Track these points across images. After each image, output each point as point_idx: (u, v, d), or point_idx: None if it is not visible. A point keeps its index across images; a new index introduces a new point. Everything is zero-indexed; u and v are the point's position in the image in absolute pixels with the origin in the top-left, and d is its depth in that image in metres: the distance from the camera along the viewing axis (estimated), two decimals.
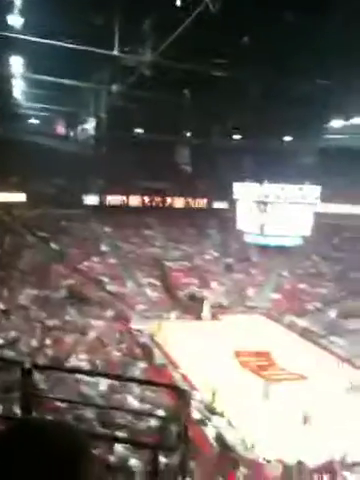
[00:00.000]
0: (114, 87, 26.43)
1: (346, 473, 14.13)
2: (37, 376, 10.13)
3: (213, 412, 17.92)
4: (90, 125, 29.57)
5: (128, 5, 19.75)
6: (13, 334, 19.59)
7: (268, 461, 15.28)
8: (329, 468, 14.64)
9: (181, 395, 3.20)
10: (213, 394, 18.77)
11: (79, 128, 33.66)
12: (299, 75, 25.20)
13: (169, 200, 41.16)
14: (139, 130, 40.02)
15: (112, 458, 10.11)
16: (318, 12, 19.81)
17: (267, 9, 20.15)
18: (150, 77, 22.69)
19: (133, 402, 15.74)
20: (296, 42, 22.63)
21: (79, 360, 18.83)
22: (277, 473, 14.72)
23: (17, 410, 5.31)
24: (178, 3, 16.59)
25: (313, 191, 30.45)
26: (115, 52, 21.05)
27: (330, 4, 19.68)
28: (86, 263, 33.80)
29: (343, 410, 18.51)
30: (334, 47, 22.02)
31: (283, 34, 21.98)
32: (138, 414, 12.94)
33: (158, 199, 40.73)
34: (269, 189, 30.12)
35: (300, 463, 14.67)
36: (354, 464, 14.81)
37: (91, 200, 38.19)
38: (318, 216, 30.74)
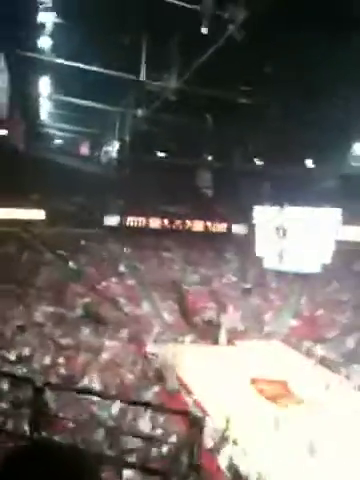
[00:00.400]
0: (139, 111, 26.87)
1: None
2: (48, 394, 10.07)
3: (227, 440, 17.51)
4: (113, 147, 29.96)
5: (155, 33, 20.23)
6: (27, 351, 19.59)
7: None
8: None
9: (194, 422, 3.11)
10: (227, 421, 18.38)
11: (102, 149, 34.16)
12: (321, 101, 25.32)
13: (189, 223, 41.23)
14: (162, 153, 40.46)
15: None
16: (341, 39, 19.95)
17: (291, 37, 20.39)
18: (174, 102, 23.04)
19: (145, 426, 15.51)
20: (319, 69, 22.79)
21: (92, 381, 18.70)
22: None
23: (26, 427, 5.26)
24: (204, 31, 16.88)
25: (334, 216, 30.10)
26: (141, 77, 21.47)
27: (354, 31, 19.80)
28: (104, 283, 33.83)
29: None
30: (357, 74, 22.08)
31: (307, 62, 22.19)
32: (149, 439, 12.70)
33: (178, 222, 40.86)
34: (289, 214, 29.90)
35: None
36: None
37: (111, 221, 38.50)
38: (338, 242, 30.34)
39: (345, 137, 34.06)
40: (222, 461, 16.20)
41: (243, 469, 15.76)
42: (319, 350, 29.94)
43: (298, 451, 16.99)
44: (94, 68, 21.42)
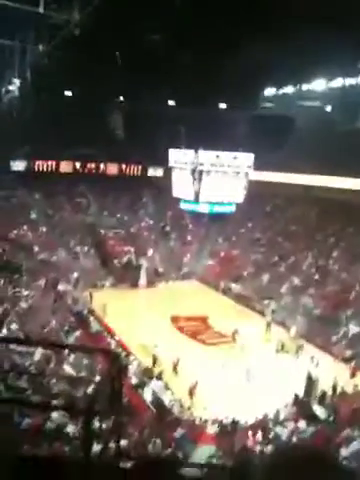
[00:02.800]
0: (40, 46, 24.92)
1: (278, 429, 14.74)
2: None
3: (150, 376, 18.04)
4: (15, 86, 27.73)
5: None
6: None
7: (204, 421, 15.66)
8: (262, 425, 15.23)
9: (113, 359, 3.02)
10: (154, 359, 18.89)
11: (3, 89, 31.53)
12: (234, 43, 25.03)
13: (102, 166, 40.12)
14: (69, 93, 38.32)
15: (50, 425, 9.92)
16: None
17: None
18: (79, 37, 21.58)
19: (69, 370, 15.49)
20: (232, 9, 22.28)
21: (11, 331, 18.18)
22: (213, 432, 15.15)
23: None
24: None
25: (246, 159, 30.77)
26: (40, 9, 19.77)
27: None
28: (15, 231, 32.48)
29: (274, 370, 19.28)
30: (270, 18, 21.97)
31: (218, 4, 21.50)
32: (72, 381, 12.72)
33: (90, 165, 39.59)
34: (204, 157, 30.09)
35: (235, 422, 15.15)
36: (285, 420, 15.49)
37: (18, 165, 36.36)
38: (251, 184, 31.19)
39: (257, 81, 34.32)
40: (147, 396, 16.74)
41: (167, 402, 16.41)
42: (235, 287, 31.32)
43: (218, 382, 17.93)
44: None
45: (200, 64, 28.21)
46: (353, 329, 23.50)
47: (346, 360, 21.08)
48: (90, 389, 11.30)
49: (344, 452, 12.16)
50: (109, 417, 3.27)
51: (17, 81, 26.86)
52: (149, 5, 21.35)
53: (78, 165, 38.81)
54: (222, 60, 27.30)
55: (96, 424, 4.48)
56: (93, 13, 20.36)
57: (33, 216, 35.01)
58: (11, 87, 28.11)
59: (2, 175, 34.53)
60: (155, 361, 18.96)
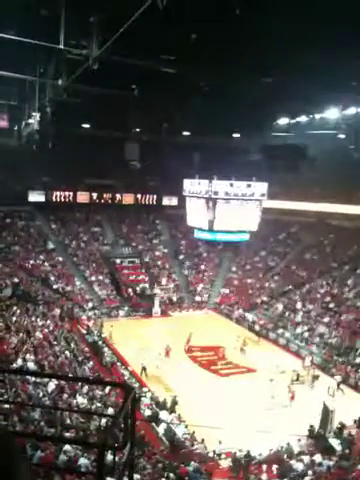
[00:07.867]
0: (60, 81, 25.67)
1: (293, 462, 14.45)
2: None
3: (163, 409, 17.90)
4: (35, 119, 28.48)
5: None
6: None
7: (218, 454, 15.44)
8: (276, 458, 14.95)
9: (127, 392, 3.15)
10: (173, 401, 18.50)
11: (23, 122, 32.45)
12: (247, 74, 25.54)
13: (118, 196, 40.73)
14: (86, 125, 39.26)
15: (62, 458, 9.90)
16: (265, 11, 20.05)
17: (215, 7, 20.24)
18: (97, 72, 22.27)
19: (82, 402, 15.48)
20: (245, 41, 22.83)
21: (26, 361, 18.29)
22: (227, 466, 14.92)
23: None
24: None
25: (260, 187, 31.04)
26: (60, 45, 20.51)
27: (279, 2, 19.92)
28: (32, 261, 32.94)
29: (290, 401, 19.01)
30: (282, 47, 22.42)
31: (232, 32, 22.12)
32: (85, 413, 12.70)
33: (107, 195, 40.22)
34: (218, 185, 30.44)
35: (248, 455, 14.90)
36: (299, 453, 15.20)
37: (36, 196, 37.18)
38: (265, 212, 31.36)
39: (271, 110, 34.76)
40: (160, 429, 16.59)
41: (180, 435, 16.24)
42: (249, 316, 31.15)
43: (232, 413, 17.71)
44: (7, 35, 20.16)
45: (214, 93, 28.76)
46: None
47: None
48: (103, 421, 11.30)
49: None
50: (122, 450, 3.35)
51: (37, 115, 27.57)
52: (164, 39, 22.02)
53: (95, 195, 39.46)
54: (235, 89, 27.82)
55: (109, 457, 4.58)
56: (111, 48, 20.97)
57: (50, 246, 35.48)
58: (31, 120, 28.86)
59: (21, 206, 35.38)
60: (174, 401, 18.52)
